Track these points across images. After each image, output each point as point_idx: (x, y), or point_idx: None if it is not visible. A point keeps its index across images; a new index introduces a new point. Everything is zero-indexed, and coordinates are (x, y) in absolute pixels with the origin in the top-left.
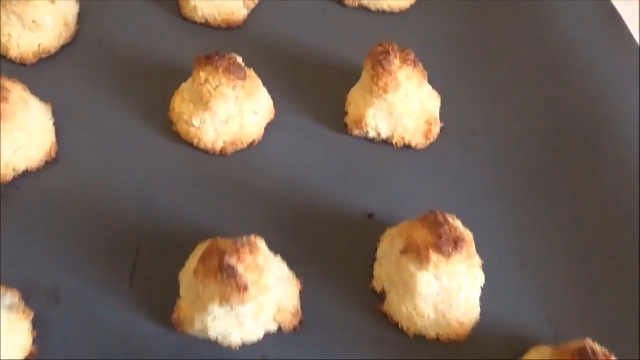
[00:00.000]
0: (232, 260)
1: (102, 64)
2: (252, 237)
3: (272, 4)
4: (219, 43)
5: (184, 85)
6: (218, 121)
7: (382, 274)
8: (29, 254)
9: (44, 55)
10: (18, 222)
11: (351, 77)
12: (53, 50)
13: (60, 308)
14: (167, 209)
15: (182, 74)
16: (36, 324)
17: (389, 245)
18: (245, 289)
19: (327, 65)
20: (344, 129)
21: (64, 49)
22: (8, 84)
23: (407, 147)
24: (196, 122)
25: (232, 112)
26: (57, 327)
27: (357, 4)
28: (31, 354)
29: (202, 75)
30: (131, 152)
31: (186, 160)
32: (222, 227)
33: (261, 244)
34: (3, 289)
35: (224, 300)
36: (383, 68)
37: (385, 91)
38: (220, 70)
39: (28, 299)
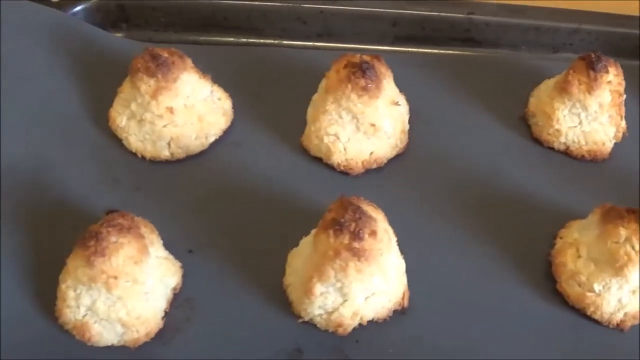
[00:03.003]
0: None
1: (441, 186)
2: None
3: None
4: (577, 179)
5: (577, 236)
6: (627, 290)
7: None
8: None
9: (373, 166)
10: None
11: None
12: (385, 161)
13: None
14: None
15: (544, 211)
16: None
17: None
18: None
19: None
20: None
21: (393, 161)
22: (371, 210)
23: None
24: (597, 287)
25: None
26: None
27: None
28: None
29: (622, 232)
30: (498, 312)
31: (573, 330)
32: None
33: None
34: None
35: None
36: None
37: None
38: None
39: None
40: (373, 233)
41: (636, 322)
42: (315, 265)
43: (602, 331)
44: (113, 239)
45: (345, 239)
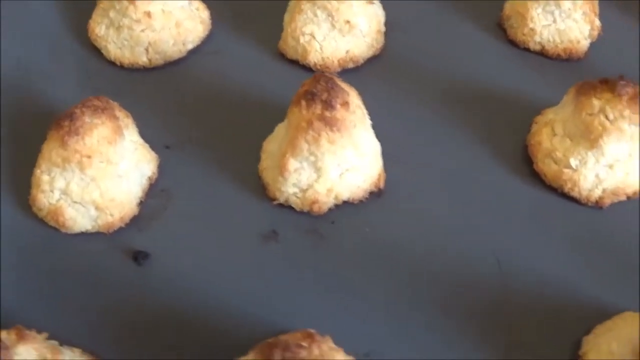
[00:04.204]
0: None
1: (419, 84)
2: None
3: (617, 34)
4: (553, 76)
5: (552, 115)
6: (603, 164)
7: None
8: (357, 311)
9: (350, 65)
10: (335, 270)
11: None
12: (361, 61)
13: None
14: (535, 270)
15: (522, 104)
16: None
17: None
18: None
19: None
20: None
21: (371, 61)
22: (344, 85)
23: None
24: (574, 163)
25: (622, 154)
26: None
27: None
28: None
29: (596, 103)
30: (477, 193)
31: (550, 209)
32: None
33: None
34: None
35: None
36: None
37: None
38: (625, 99)
39: None
40: (345, 104)
41: (615, 199)
42: (288, 140)
43: (581, 209)
44: (87, 119)
45: (318, 109)
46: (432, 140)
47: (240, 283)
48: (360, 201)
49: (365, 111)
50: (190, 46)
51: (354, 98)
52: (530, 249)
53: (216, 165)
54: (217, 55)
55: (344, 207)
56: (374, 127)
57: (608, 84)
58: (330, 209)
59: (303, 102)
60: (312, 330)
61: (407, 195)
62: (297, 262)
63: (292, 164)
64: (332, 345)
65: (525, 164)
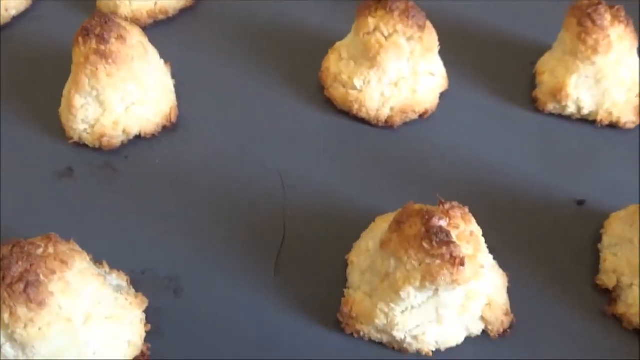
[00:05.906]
0: (443, 223)
1: (229, 32)
2: (458, 204)
3: None
4: None
5: (341, 42)
6: (386, 83)
7: (615, 265)
8: (140, 235)
9: (160, 17)
10: (124, 200)
11: (532, 51)
12: (171, 12)
13: (180, 300)
14: (318, 187)
15: (324, 42)
16: (150, 317)
17: (624, 231)
18: (462, 262)
19: (502, 37)
20: (530, 104)
21: (184, 13)
22: (125, 23)
23: (613, 126)
24: (358, 83)
25: (405, 71)
26: (175, 325)
27: None
28: (142, 354)
29: (371, 21)
30: (270, 122)
31: (341, 131)
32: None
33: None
34: (107, 268)
35: (429, 277)
36: (593, 22)
37: (595, 51)
38: (396, 14)
39: (140, 287)
40: (121, 37)
41: (406, 117)
42: (72, 78)
43: (371, 130)
44: None
45: (93, 43)
46: (233, 78)
47: (32, 217)
48: (154, 135)
49: (151, 49)
50: (13, 12)
51: (135, 35)
52: (314, 167)
53: (26, 115)
54: (41, 19)
55: (138, 142)
56: (175, 69)
57: (381, 2)
58: (123, 144)
59: (80, 39)
60: (53, 234)
61: (201, 128)
62: (88, 195)
63: (78, 100)
64: (74, 247)
65: (320, 92)
